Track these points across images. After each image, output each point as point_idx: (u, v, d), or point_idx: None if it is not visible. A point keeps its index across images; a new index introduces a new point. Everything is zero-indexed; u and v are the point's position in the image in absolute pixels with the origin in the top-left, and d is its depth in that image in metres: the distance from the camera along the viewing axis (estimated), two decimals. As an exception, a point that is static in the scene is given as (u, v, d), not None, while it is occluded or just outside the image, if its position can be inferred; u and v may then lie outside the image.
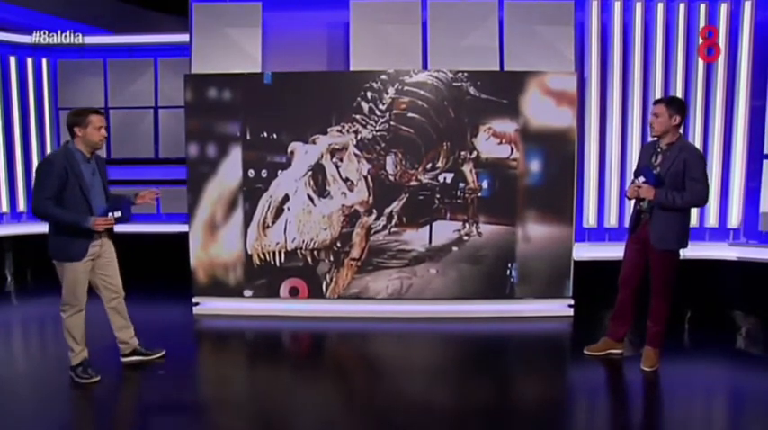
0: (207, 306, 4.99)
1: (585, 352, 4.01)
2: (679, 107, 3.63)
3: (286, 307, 4.95)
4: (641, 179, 3.65)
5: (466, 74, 4.77)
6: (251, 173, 4.91)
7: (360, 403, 3.50)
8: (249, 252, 4.96)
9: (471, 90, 4.76)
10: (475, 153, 4.82)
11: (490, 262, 4.89)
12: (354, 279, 4.95)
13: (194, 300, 4.99)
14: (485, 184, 4.84)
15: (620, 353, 3.96)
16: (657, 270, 3.67)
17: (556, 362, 4.19)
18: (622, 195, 4.96)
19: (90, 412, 3.37)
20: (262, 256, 4.97)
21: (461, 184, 4.84)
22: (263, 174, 4.90)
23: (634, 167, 4.05)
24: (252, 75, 4.92)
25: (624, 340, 3.99)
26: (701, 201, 3.66)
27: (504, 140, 4.80)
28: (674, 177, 3.54)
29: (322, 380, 3.80)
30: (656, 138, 3.71)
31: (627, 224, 4.02)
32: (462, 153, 4.82)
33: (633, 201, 3.86)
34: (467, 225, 4.87)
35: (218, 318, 4.90)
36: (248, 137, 4.87)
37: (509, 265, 4.88)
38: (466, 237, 4.88)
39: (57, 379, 3.60)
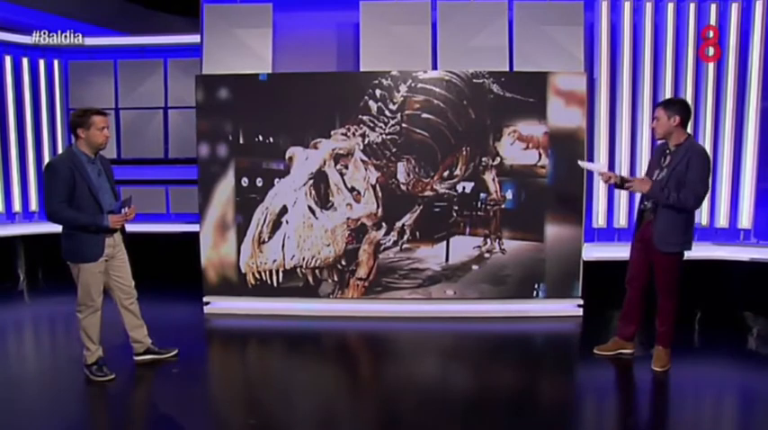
0: (218, 305, 5.01)
1: (596, 352, 4.00)
2: (678, 108, 3.59)
3: (297, 306, 4.91)
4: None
5: (487, 71, 4.40)
6: (244, 181, 4.52)
7: (370, 396, 3.53)
8: (243, 271, 4.63)
9: (494, 88, 4.33)
10: (498, 159, 4.46)
11: (515, 282, 4.49)
12: (361, 301, 4.68)
13: (205, 299, 5.01)
14: (509, 195, 4.48)
15: (631, 353, 3.96)
16: (661, 271, 3.67)
17: (566, 361, 4.18)
18: (632, 195, 4.94)
19: (105, 409, 3.41)
20: (257, 275, 4.63)
21: (483, 195, 4.48)
22: (259, 182, 4.55)
23: (644, 169, 4.04)
24: (246, 75, 4.67)
25: (634, 340, 3.99)
26: (693, 203, 3.51)
27: (530, 145, 4.40)
28: (678, 177, 3.52)
29: (335, 379, 3.83)
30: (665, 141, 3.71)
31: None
32: (484, 159, 4.47)
33: (638, 201, 3.86)
34: (488, 241, 4.50)
35: (229, 318, 4.92)
36: (241, 140, 4.48)
37: (536, 286, 4.50)
38: (487, 255, 4.49)
39: (71, 376, 3.64)
